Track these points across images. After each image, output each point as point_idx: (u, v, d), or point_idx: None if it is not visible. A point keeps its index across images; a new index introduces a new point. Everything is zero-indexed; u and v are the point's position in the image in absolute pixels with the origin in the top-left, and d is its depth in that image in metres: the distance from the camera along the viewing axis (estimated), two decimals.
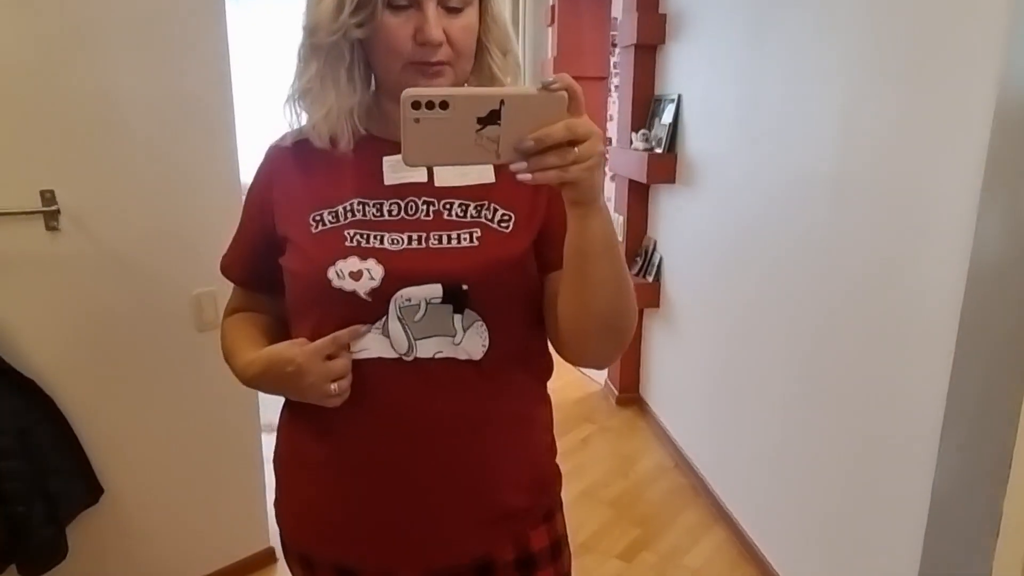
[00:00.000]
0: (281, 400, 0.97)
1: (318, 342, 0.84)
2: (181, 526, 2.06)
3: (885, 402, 1.67)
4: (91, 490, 1.84)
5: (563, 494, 1.07)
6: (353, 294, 0.84)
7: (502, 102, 0.66)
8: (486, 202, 0.88)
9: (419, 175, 0.89)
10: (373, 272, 0.84)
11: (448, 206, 0.87)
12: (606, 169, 3.15)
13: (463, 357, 0.87)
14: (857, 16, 1.75)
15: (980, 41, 1.36)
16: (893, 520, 1.65)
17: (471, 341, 0.87)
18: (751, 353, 2.36)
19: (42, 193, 1.69)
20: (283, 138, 0.95)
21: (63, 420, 1.77)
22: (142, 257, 1.86)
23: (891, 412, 1.65)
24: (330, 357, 0.85)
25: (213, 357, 2.04)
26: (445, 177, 0.89)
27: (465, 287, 0.85)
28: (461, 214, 0.87)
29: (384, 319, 0.85)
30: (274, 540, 2.28)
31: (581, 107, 0.67)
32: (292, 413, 0.98)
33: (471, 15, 0.85)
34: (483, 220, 0.87)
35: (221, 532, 2.16)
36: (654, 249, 3.25)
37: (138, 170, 1.82)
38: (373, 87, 0.91)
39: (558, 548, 1.01)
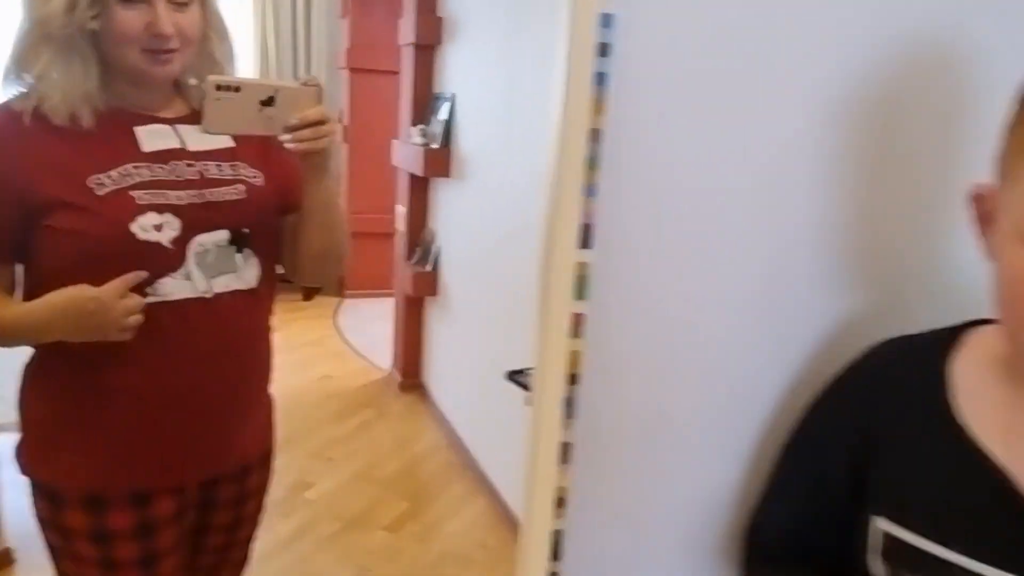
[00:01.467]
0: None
1: (115, 282, 0.95)
2: None
3: None
4: None
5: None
6: (157, 244, 1.00)
7: (277, 91, 0.97)
8: (237, 162, 1.10)
9: (173, 141, 1.06)
10: (172, 224, 1.01)
11: (206, 167, 1.07)
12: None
13: (245, 287, 1.09)
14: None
15: None
16: None
17: (250, 273, 1.10)
18: (517, 335, 2.58)
19: None
20: (10, 104, 0.99)
21: None
22: None
23: None
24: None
25: None
26: (194, 141, 1.08)
27: (247, 230, 1.08)
28: (221, 173, 1.08)
29: (185, 265, 1.02)
30: (12, 541, 2.13)
31: (322, 98, 0.99)
32: (67, 363, 1.03)
33: (195, 9, 1.02)
34: (242, 177, 1.10)
35: None
36: (433, 240, 3.41)
37: None
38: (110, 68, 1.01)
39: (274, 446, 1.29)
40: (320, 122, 0.99)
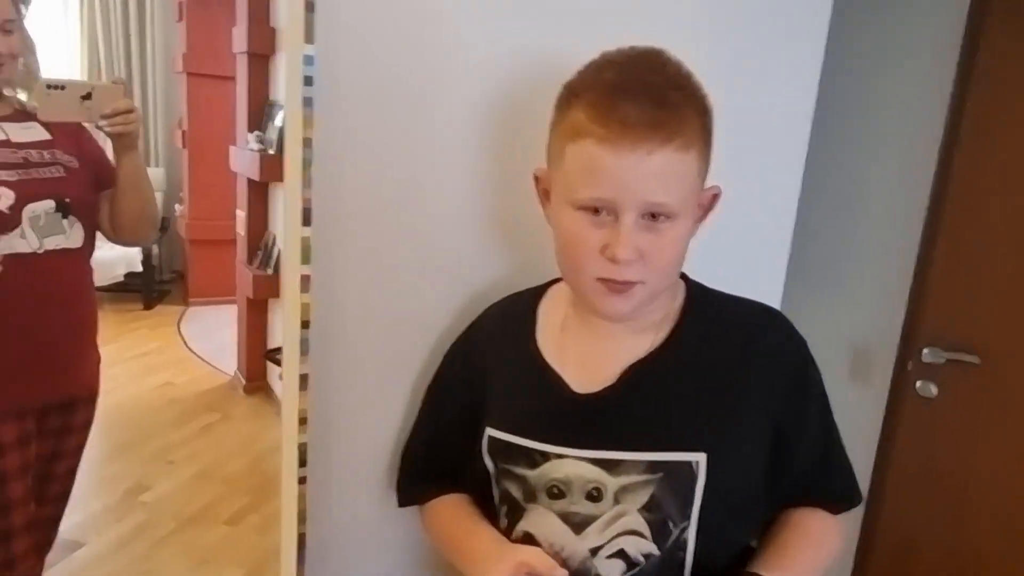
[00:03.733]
0: None
1: None
2: None
3: None
4: None
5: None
6: None
7: (93, 88, 1.30)
8: (53, 150, 1.40)
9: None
10: (7, 195, 1.30)
11: (29, 154, 1.37)
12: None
13: (73, 246, 1.39)
14: None
15: None
16: None
17: (75, 235, 1.40)
18: None
19: None
20: None
21: None
22: None
23: None
24: None
25: None
26: (16, 135, 1.37)
27: (68, 200, 1.37)
28: (42, 158, 1.38)
29: (20, 227, 1.31)
30: None
31: (129, 92, 1.32)
32: None
33: (18, 35, 1.36)
34: (59, 161, 1.40)
35: None
36: (274, 243, 3.49)
37: None
38: None
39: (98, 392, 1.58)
40: (128, 111, 1.32)
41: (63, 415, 1.48)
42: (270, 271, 3.44)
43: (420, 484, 0.92)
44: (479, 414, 0.83)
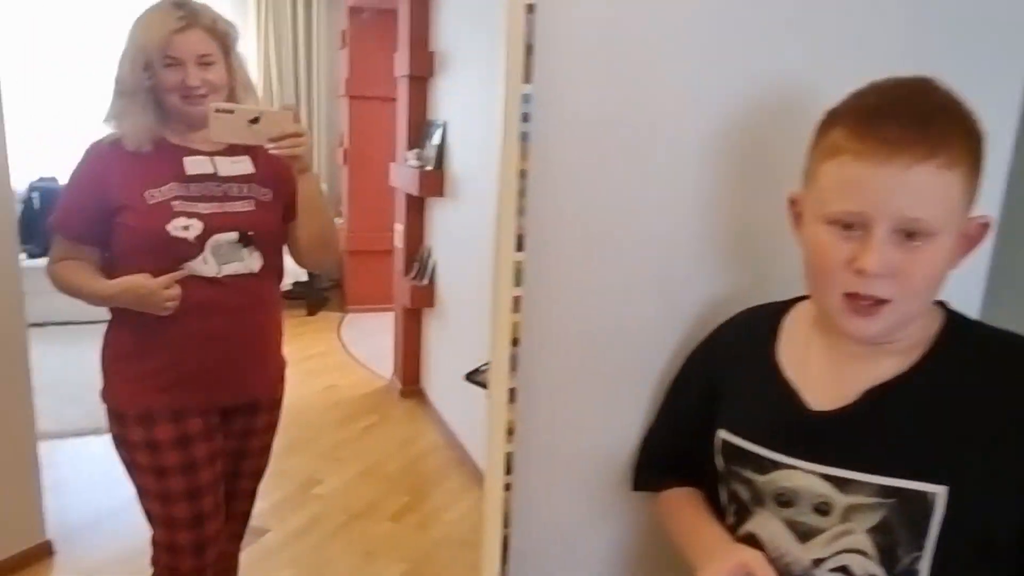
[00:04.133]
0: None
1: (163, 278, 1.38)
2: None
3: None
4: None
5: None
6: (185, 240, 1.42)
7: (261, 113, 1.37)
8: (252, 184, 1.51)
9: (208, 168, 1.48)
10: (196, 227, 1.42)
11: (230, 187, 1.49)
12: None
13: (248, 271, 1.49)
14: None
15: None
16: None
17: (253, 262, 1.50)
18: None
19: None
20: (101, 142, 1.47)
21: None
22: None
23: None
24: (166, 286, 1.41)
25: None
26: (224, 169, 1.49)
27: (251, 233, 1.48)
28: (239, 192, 1.49)
29: (203, 254, 1.43)
30: (54, 534, 2.37)
31: (299, 119, 1.39)
32: (129, 322, 1.46)
33: (218, 69, 1.45)
34: (253, 195, 1.51)
35: None
36: (429, 255, 3.67)
37: None
38: (163, 110, 1.46)
39: (282, 398, 1.69)
40: (295, 135, 1.37)
41: (246, 417, 1.61)
42: (425, 282, 3.63)
43: (657, 473, 0.97)
44: (713, 416, 0.87)
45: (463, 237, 3.26)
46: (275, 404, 1.67)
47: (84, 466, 2.90)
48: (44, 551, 2.35)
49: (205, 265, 1.44)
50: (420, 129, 3.61)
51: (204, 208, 1.44)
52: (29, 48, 4.68)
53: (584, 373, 0.94)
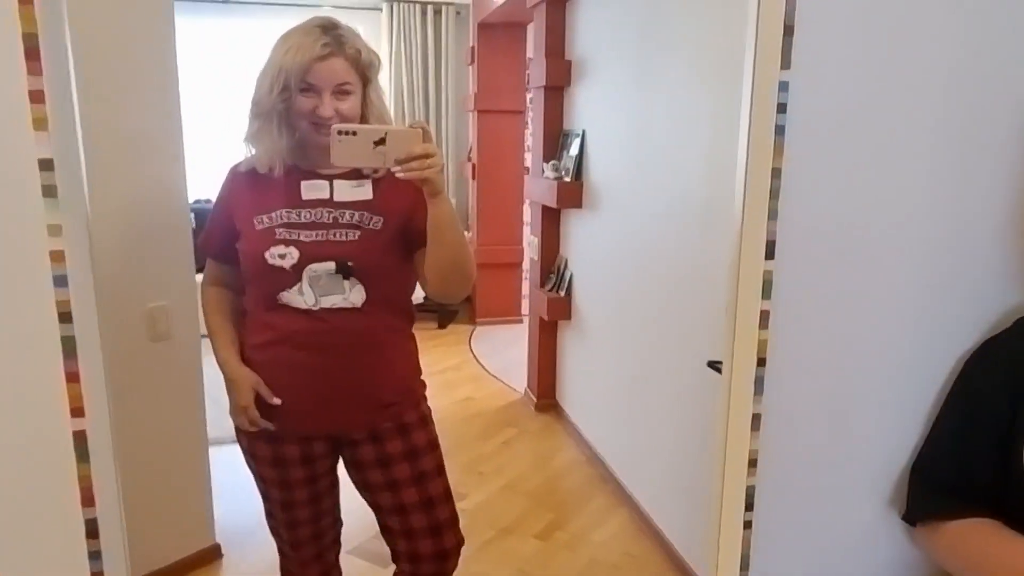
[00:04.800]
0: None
1: (246, 396, 1.45)
2: (131, 524, 2.23)
3: None
4: None
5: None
6: (281, 268, 1.37)
7: (386, 134, 1.22)
8: (365, 211, 1.40)
9: (324, 193, 1.41)
10: (292, 255, 1.37)
11: (342, 213, 1.40)
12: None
13: (350, 306, 1.40)
14: (720, 67, 2.15)
15: None
16: None
17: (355, 295, 1.40)
18: (649, 356, 2.73)
19: None
20: (239, 164, 1.48)
21: None
22: (101, 272, 2.06)
23: None
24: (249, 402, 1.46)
25: (166, 366, 2.27)
26: (341, 194, 1.41)
27: (350, 263, 1.38)
28: (348, 219, 1.40)
29: (300, 284, 1.38)
30: (221, 537, 2.48)
31: (430, 138, 1.23)
32: (244, 340, 1.49)
33: (354, 100, 1.38)
34: (360, 224, 1.40)
35: (170, 530, 2.34)
36: (565, 267, 3.61)
37: (98, 196, 2.03)
38: (295, 136, 1.42)
39: (425, 420, 1.57)
40: (425, 156, 1.21)
41: (372, 445, 1.51)
42: (561, 293, 3.57)
43: (941, 499, 0.85)
44: (1018, 432, 0.76)
45: (600, 249, 3.18)
46: (407, 428, 1.52)
47: (245, 471, 3.03)
48: (213, 553, 2.46)
49: (301, 296, 1.38)
50: (556, 140, 3.58)
51: (306, 236, 1.38)
52: (186, 73, 5.03)
53: (841, 394, 0.84)
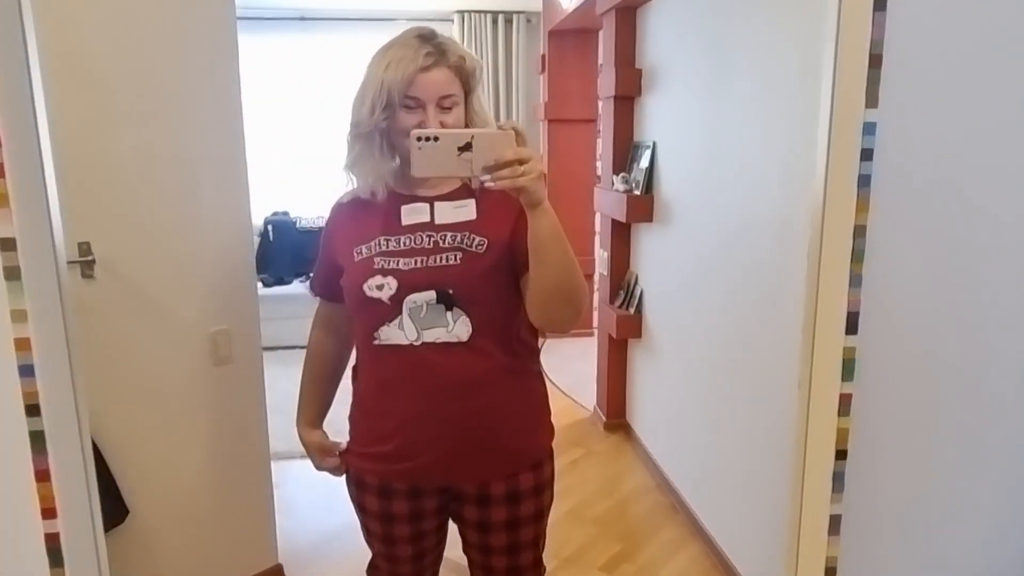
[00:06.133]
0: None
1: (322, 467, 1.49)
2: (198, 545, 2.26)
3: None
4: (118, 511, 2.05)
5: (551, 514, 1.47)
6: (379, 300, 1.26)
7: (472, 137, 1.08)
8: (468, 232, 1.27)
9: (425, 216, 1.30)
10: (390, 285, 1.25)
11: (443, 237, 1.28)
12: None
13: (455, 340, 1.26)
14: (794, 80, 1.99)
15: None
16: None
17: (460, 329, 1.26)
18: (724, 379, 2.57)
19: (79, 245, 1.93)
20: (342, 197, 1.40)
21: (95, 447, 1.98)
22: (165, 300, 2.09)
23: None
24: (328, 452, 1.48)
25: (229, 389, 2.27)
26: (442, 216, 1.29)
27: (451, 291, 1.25)
28: (450, 242, 1.27)
29: (400, 317, 1.26)
30: (282, 557, 2.47)
31: (524, 140, 1.10)
32: (355, 387, 1.43)
33: (458, 112, 1.27)
34: (463, 246, 1.27)
35: (234, 551, 2.35)
36: (635, 283, 3.48)
37: (161, 222, 2.06)
38: (397, 158, 1.32)
39: (541, 488, 1.40)
40: (518, 162, 1.07)
41: (477, 507, 1.38)
42: (631, 311, 3.44)
43: None
44: None
45: (672, 265, 3.03)
46: (517, 495, 1.36)
47: (308, 487, 3.04)
48: (276, 574, 2.45)
49: (402, 331, 1.26)
50: (626, 151, 3.45)
51: (405, 264, 1.26)
52: (262, 87, 5.15)
53: (942, 420, 0.70)
